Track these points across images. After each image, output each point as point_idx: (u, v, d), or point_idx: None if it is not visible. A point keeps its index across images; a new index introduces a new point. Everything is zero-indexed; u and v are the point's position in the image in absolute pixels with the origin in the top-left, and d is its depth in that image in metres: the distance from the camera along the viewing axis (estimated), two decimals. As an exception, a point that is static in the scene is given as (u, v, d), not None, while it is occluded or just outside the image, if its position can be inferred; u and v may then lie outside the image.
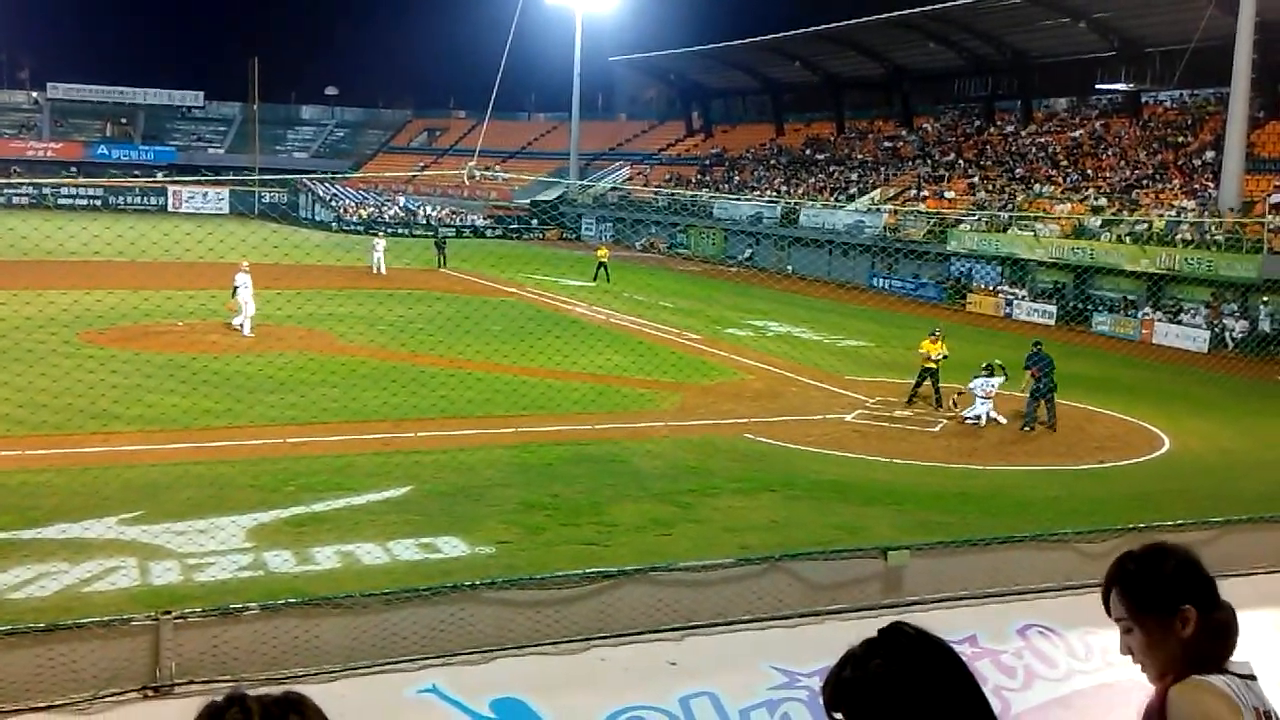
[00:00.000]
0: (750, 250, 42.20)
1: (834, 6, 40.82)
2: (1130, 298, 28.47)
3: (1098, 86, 37.88)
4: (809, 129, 51.04)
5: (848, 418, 14.69)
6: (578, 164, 55.15)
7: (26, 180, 55.25)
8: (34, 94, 65.38)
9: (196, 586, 7.50)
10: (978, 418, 14.53)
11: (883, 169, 42.59)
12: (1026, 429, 14.37)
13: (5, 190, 52.87)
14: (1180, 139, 34.06)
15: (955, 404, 14.88)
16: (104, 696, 4.79)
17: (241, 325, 19.07)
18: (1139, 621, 1.81)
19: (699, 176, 51.33)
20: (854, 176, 43.01)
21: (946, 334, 15.97)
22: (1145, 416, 15.56)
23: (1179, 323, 26.51)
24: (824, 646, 1.28)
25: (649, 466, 11.49)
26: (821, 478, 11.39)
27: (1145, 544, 1.89)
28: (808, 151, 48.56)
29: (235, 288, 19.08)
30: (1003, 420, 14.67)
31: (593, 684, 5.23)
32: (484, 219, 52.44)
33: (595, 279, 31.53)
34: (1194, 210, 28.50)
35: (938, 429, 14.45)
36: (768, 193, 43.52)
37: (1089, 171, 34.67)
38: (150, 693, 4.89)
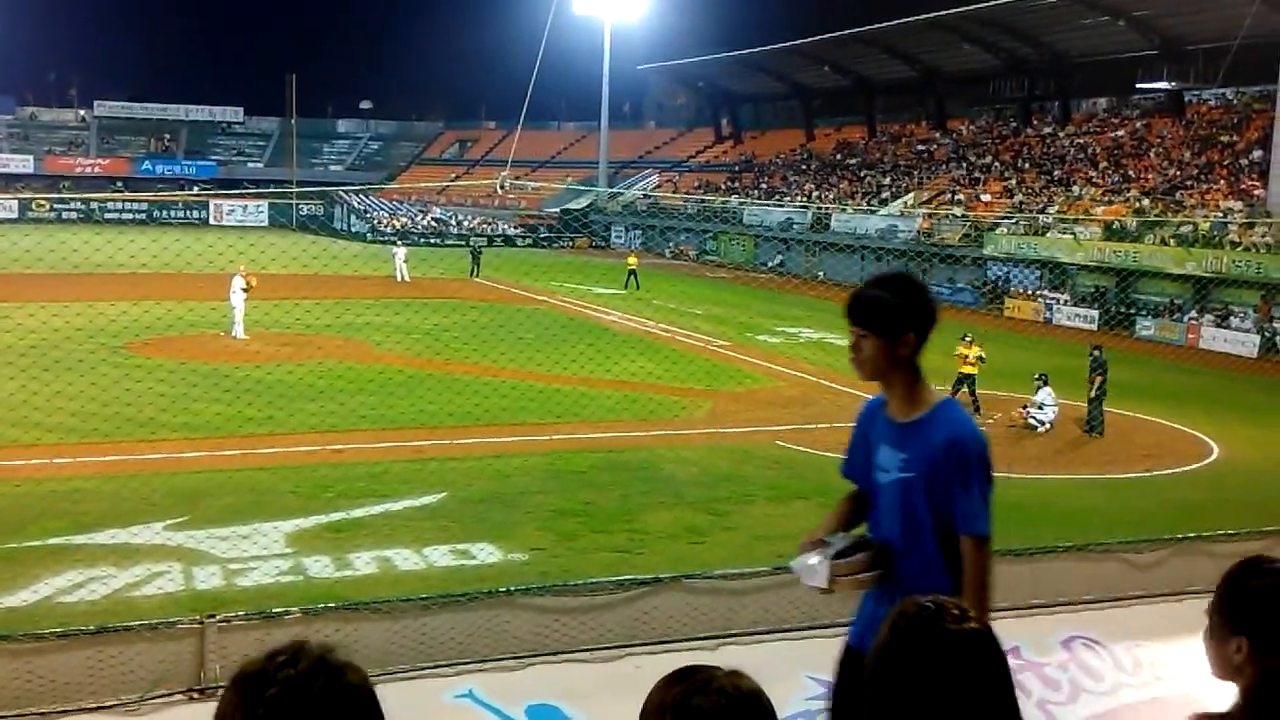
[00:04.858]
0: (781, 256, 41.98)
1: (864, 10, 40.55)
2: (1176, 301, 27.78)
3: (1138, 86, 37.07)
4: (839, 133, 50.67)
5: (883, 424, 14.50)
6: (607, 172, 55.36)
7: (75, 195, 57.05)
8: (82, 112, 67.52)
9: (238, 591, 7.63)
10: (1043, 424, 14.44)
11: (916, 173, 42.12)
12: (1094, 434, 14.33)
13: (56, 205, 54.61)
14: (1226, 138, 33.21)
15: (1025, 412, 14.65)
16: (152, 698, 4.89)
17: (235, 331, 19.39)
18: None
19: (728, 183, 51.23)
20: (886, 181, 42.59)
21: (984, 339, 15.73)
22: (1193, 423, 15.15)
23: (1227, 326, 25.78)
24: (864, 656, 1.25)
25: (681, 474, 11.47)
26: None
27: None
28: (838, 156, 48.21)
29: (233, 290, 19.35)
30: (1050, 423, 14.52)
31: (628, 692, 5.21)
32: (514, 228, 52.96)
33: (625, 286, 31.60)
34: (1241, 211, 27.74)
35: (975, 436, 14.21)
36: (798, 198, 43.27)
37: (1131, 173, 33.95)
38: (195, 694, 4.98)
